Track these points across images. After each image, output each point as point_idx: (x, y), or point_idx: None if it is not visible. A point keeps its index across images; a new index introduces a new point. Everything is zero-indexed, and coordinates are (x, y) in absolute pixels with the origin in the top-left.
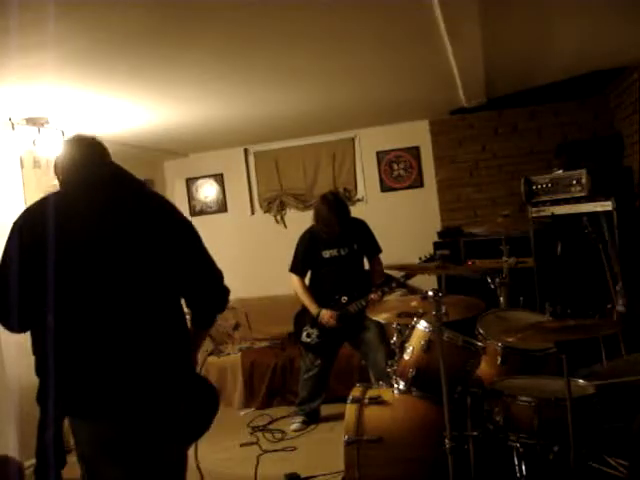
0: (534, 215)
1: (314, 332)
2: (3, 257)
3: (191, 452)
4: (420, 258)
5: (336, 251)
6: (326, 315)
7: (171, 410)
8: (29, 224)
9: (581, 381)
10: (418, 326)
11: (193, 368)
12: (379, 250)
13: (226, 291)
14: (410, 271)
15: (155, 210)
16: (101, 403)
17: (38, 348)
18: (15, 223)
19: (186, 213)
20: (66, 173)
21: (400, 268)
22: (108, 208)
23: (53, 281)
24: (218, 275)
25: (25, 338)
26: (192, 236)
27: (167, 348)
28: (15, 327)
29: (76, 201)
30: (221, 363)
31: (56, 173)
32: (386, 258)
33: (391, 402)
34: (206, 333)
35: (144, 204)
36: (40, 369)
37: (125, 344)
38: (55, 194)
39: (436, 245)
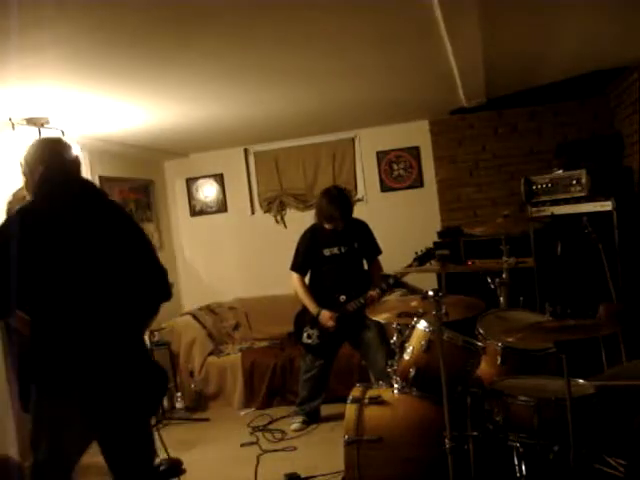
0: (534, 215)
1: (314, 333)
2: None
3: (195, 456)
4: (416, 252)
5: (337, 249)
6: (325, 315)
7: (127, 387)
8: (9, 232)
9: (581, 381)
10: (418, 326)
11: (147, 352)
12: (379, 252)
13: (169, 285)
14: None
15: (115, 217)
16: (69, 381)
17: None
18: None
19: (186, 213)
20: (40, 185)
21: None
22: (78, 218)
23: (36, 280)
24: (163, 271)
25: None
26: (144, 239)
27: (124, 336)
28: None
29: (50, 211)
30: (221, 363)
31: (26, 174)
32: (386, 258)
33: (391, 402)
34: (151, 321)
35: (107, 213)
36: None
37: (89, 334)
38: (30, 205)
39: (436, 245)
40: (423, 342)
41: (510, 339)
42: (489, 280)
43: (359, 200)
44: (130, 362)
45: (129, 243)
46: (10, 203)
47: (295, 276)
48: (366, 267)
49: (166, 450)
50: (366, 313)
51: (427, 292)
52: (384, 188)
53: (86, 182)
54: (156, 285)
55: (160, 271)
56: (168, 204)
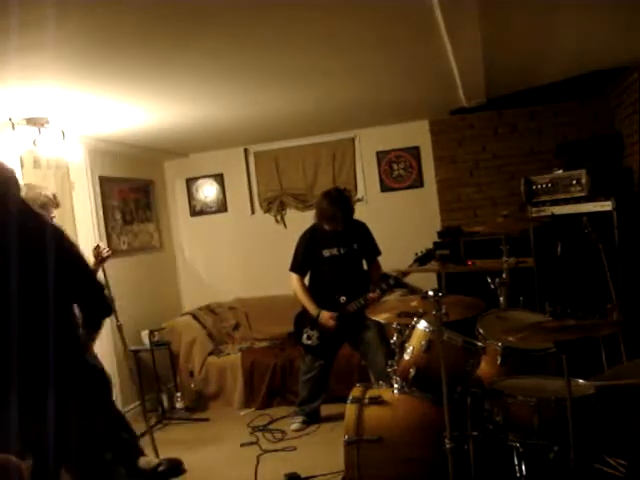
0: (534, 215)
1: (314, 334)
2: None
3: (195, 456)
4: (416, 254)
5: (336, 250)
6: (325, 316)
7: (64, 388)
8: None
9: (581, 381)
10: (418, 326)
11: (82, 356)
12: (378, 253)
13: (106, 302)
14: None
15: (51, 238)
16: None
17: None
18: None
19: (186, 213)
20: None
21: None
22: (15, 239)
23: None
24: (98, 288)
25: None
26: (78, 258)
27: (58, 345)
28: None
29: None
30: (221, 363)
31: None
32: (386, 258)
33: (391, 402)
34: (96, 333)
35: (42, 235)
36: None
37: (27, 345)
38: None
39: (436, 245)
40: (423, 342)
41: (510, 339)
42: (489, 280)
43: (359, 200)
44: (62, 369)
45: (61, 264)
46: None
47: (294, 277)
48: (365, 268)
49: (156, 453)
50: (366, 313)
51: (427, 292)
52: (384, 188)
53: (25, 207)
54: (92, 303)
55: (95, 290)
56: (168, 204)
